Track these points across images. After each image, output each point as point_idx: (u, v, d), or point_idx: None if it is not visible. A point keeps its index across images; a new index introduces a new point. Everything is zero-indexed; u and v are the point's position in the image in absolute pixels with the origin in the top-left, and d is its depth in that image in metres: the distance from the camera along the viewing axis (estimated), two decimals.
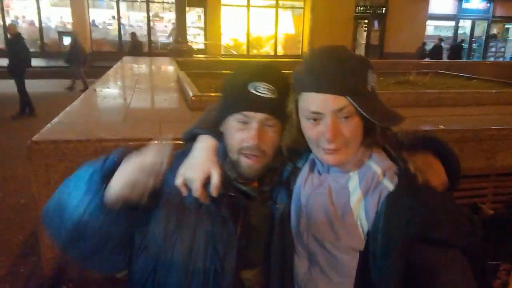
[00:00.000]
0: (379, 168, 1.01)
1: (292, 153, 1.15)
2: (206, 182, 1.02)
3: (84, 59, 11.68)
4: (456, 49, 16.11)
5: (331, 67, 0.96)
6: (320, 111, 0.97)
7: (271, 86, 1.07)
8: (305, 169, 1.15)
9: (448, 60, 13.13)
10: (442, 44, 15.14)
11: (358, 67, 0.97)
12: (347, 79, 0.95)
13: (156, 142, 0.95)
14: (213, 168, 1.04)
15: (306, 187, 1.12)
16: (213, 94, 3.34)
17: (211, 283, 1.06)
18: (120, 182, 0.94)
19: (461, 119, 3.14)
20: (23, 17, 14.97)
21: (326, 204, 1.05)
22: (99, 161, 1.01)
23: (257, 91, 1.06)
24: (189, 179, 1.03)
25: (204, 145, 1.13)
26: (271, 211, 1.16)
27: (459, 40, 18.08)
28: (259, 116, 1.07)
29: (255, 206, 1.14)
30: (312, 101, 0.98)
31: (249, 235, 1.12)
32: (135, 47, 12.99)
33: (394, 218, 0.91)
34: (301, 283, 1.14)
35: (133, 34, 13.52)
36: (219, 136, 1.14)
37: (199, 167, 1.04)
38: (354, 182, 1.03)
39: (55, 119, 2.62)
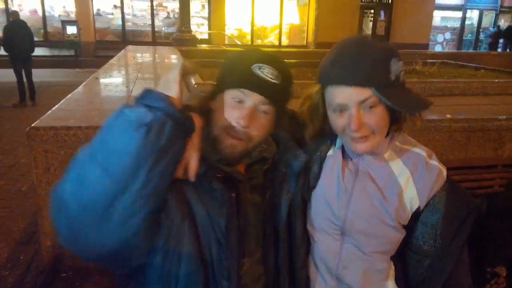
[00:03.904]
0: (423, 151, 1.10)
1: (313, 142, 1.19)
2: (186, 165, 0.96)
3: None
4: None
5: (353, 59, 0.98)
6: (345, 103, 1.00)
7: (275, 71, 1.05)
8: (337, 157, 1.15)
9: (455, 51, 12.98)
10: None
11: (380, 57, 0.99)
12: (368, 71, 0.97)
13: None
14: (192, 152, 0.96)
15: (346, 173, 1.13)
16: (215, 83, 3.30)
17: (218, 270, 0.99)
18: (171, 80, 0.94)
19: (468, 108, 3.09)
20: (20, 5, 14.75)
21: (372, 187, 1.09)
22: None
23: (260, 72, 1.03)
24: None
25: None
26: (264, 202, 1.10)
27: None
28: (256, 97, 1.03)
29: (243, 192, 1.07)
30: (337, 94, 1.01)
31: (239, 223, 1.03)
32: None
33: (457, 199, 1.06)
34: (338, 265, 1.14)
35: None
36: (208, 114, 1.08)
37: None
38: (397, 165, 1.09)
39: (56, 106, 2.60)
